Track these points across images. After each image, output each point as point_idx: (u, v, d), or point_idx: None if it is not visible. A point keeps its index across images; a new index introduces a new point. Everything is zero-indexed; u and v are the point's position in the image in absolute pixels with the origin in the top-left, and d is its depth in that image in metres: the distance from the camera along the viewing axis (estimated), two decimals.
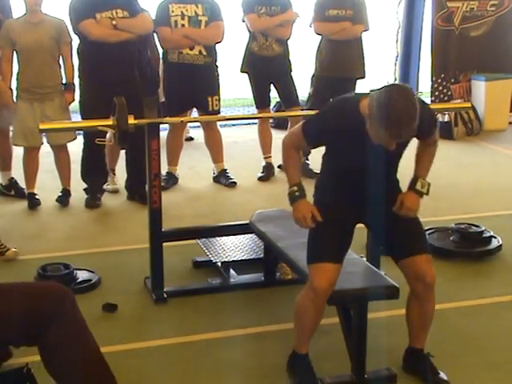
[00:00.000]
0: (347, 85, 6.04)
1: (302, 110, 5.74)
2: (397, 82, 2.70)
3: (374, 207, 2.84)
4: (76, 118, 7.13)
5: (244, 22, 5.84)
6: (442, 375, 2.94)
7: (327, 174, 2.98)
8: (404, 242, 2.89)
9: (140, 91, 5.16)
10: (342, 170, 2.88)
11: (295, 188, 2.85)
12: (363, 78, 6.11)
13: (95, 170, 5.35)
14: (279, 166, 6.16)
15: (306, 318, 2.83)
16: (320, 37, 6.05)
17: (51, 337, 2.31)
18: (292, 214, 2.86)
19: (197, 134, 7.10)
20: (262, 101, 5.98)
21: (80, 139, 5.37)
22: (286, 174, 2.94)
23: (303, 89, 6.51)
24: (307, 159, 6.11)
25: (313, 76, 6.14)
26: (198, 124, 6.89)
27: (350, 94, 3.01)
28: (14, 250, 4.21)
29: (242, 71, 5.98)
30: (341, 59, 5.93)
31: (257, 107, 6.07)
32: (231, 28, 5.75)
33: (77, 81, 5.21)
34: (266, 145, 6.13)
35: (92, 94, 5.00)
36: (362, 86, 6.24)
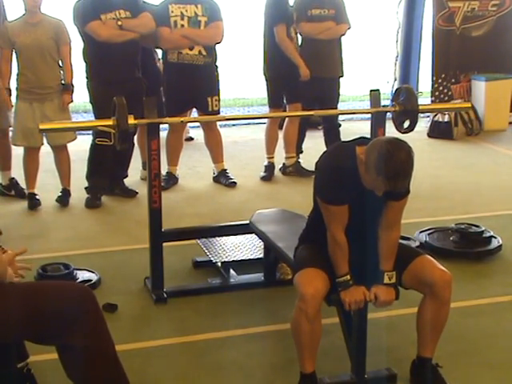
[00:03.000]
0: (332, 84, 6.07)
1: (304, 109, 5.73)
2: (397, 137, 2.74)
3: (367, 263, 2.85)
4: (77, 118, 7.13)
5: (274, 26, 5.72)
6: None
7: (317, 229, 2.91)
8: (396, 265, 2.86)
9: (144, 90, 5.21)
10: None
11: (348, 277, 2.78)
12: (343, 76, 6.14)
13: (99, 170, 5.36)
14: (280, 169, 6.17)
15: (301, 332, 2.76)
16: (300, 37, 6.02)
17: (75, 338, 2.32)
18: (342, 297, 2.78)
19: (197, 134, 7.10)
20: (277, 100, 5.96)
21: (80, 139, 5.37)
22: (335, 262, 2.79)
23: None
24: (299, 158, 6.13)
25: None
26: (197, 124, 6.89)
27: (342, 142, 3.03)
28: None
29: (264, 74, 5.93)
30: (324, 59, 5.94)
31: (270, 106, 6.04)
32: (231, 28, 5.75)
33: (84, 82, 5.25)
34: (271, 145, 6.12)
35: (102, 94, 5.02)
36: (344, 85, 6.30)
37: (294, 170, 6.06)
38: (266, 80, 5.96)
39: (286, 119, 6.12)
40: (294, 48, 5.76)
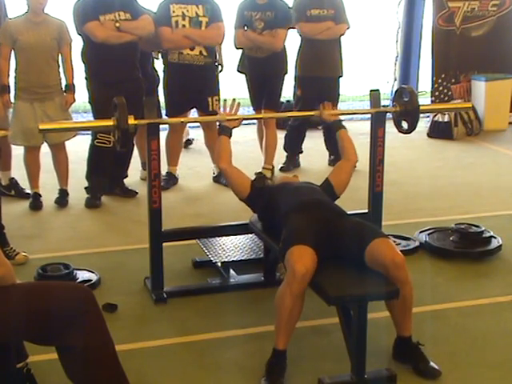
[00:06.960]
0: (332, 84, 6.08)
1: (296, 111, 5.73)
2: None
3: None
4: (76, 118, 7.12)
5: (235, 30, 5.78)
6: (433, 364, 2.97)
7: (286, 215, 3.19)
8: (354, 243, 3.00)
9: (143, 90, 5.21)
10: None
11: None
12: (342, 76, 6.15)
13: (99, 170, 5.36)
14: (281, 169, 6.18)
15: (283, 305, 2.84)
16: (299, 37, 6.04)
17: (75, 338, 2.32)
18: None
19: (197, 134, 7.10)
20: (258, 102, 5.97)
21: (80, 139, 5.37)
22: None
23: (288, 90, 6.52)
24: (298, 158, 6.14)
25: (295, 77, 6.12)
26: (197, 124, 6.88)
27: None
28: (23, 254, 4.18)
29: (238, 70, 5.98)
30: (324, 59, 5.97)
31: (254, 108, 6.06)
32: (231, 29, 5.75)
33: (83, 82, 5.24)
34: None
35: (101, 94, 5.03)
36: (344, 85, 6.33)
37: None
38: (246, 81, 5.95)
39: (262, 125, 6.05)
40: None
